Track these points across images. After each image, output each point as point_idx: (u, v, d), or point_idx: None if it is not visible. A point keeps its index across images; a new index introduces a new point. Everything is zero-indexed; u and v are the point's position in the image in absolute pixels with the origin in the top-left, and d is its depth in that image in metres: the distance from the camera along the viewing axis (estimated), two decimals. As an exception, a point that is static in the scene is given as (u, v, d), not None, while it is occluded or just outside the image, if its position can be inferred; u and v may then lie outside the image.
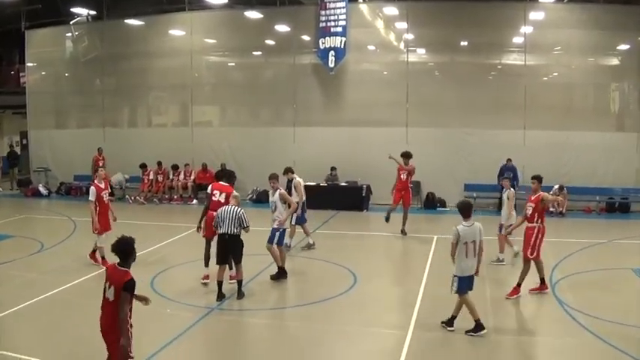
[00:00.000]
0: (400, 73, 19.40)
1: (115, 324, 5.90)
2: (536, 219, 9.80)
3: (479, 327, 8.15)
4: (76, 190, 22.49)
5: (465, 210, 8.27)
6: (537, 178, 10.15)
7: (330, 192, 18.85)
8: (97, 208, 11.62)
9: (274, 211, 11.13)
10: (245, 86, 21.63)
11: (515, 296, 9.71)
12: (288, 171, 13.53)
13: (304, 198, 13.16)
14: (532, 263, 9.76)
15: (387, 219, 14.90)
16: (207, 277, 10.64)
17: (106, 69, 22.64)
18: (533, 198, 9.93)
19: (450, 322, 8.34)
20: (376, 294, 10.50)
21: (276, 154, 19.44)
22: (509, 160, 17.69)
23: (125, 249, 5.98)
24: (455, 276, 8.17)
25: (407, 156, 15.19)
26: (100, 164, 20.08)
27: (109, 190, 12.19)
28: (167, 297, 9.98)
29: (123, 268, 5.98)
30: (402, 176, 15.12)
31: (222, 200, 10.53)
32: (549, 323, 8.94)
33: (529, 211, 9.89)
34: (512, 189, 11.77)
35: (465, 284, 8.17)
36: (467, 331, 8.19)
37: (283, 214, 11.03)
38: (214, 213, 10.29)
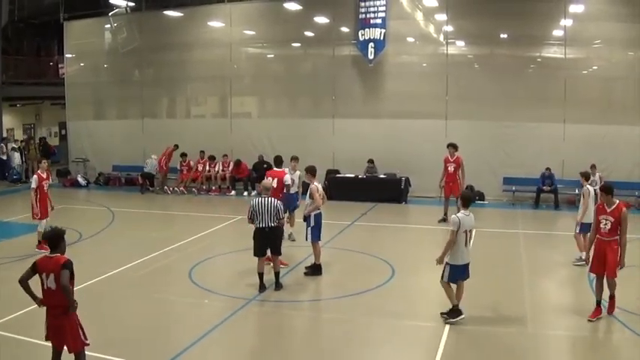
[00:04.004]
0: (439, 65, 19.28)
1: (66, 310, 5.93)
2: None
3: (456, 312, 8.30)
4: (115, 180, 22.77)
5: (468, 200, 8.64)
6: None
7: (368, 184, 18.90)
8: (38, 196, 12.55)
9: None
10: (284, 78, 21.73)
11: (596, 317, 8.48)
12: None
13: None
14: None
15: (445, 220, 14.71)
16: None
17: (145, 60, 22.81)
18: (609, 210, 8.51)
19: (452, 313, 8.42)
20: (414, 287, 10.47)
21: (314, 145, 19.56)
22: (547, 169, 17.81)
23: (54, 239, 6.07)
24: (447, 264, 8.28)
25: (452, 146, 15.30)
26: (163, 159, 20.82)
27: (50, 181, 13.25)
28: (205, 288, 10.06)
29: (55, 255, 6.01)
30: (449, 169, 15.20)
31: (275, 185, 10.83)
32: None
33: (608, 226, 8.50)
34: (588, 186, 11.25)
35: (458, 273, 8.32)
36: (442, 313, 8.41)
37: (307, 209, 10.79)
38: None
